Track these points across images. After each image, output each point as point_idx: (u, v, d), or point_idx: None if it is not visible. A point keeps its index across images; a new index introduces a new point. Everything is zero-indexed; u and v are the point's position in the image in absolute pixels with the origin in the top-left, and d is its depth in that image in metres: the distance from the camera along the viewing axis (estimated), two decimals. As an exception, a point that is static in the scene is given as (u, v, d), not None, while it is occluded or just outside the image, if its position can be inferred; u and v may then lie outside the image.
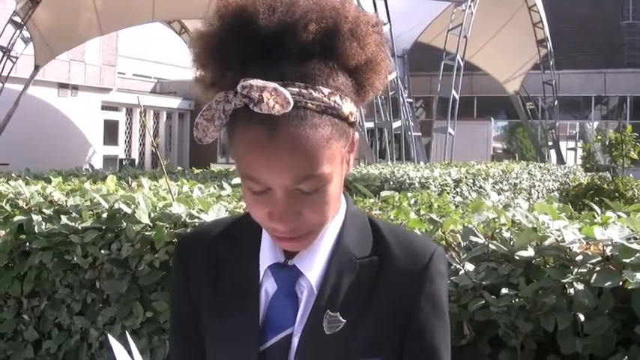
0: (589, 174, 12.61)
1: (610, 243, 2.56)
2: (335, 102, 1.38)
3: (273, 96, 1.31)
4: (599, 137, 11.73)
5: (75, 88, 28.50)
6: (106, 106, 30.44)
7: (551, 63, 27.87)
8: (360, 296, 1.54)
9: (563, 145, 30.64)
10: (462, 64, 21.14)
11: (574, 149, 29.15)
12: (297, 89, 1.34)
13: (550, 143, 29.79)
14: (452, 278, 2.67)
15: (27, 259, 3.66)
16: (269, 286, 1.57)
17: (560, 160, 27.42)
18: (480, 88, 32.75)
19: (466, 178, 11.34)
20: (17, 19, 21.06)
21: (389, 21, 16.90)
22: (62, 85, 27.85)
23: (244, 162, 1.39)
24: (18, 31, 21.31)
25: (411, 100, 22.79)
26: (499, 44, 26.86)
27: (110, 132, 30.61)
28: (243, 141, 1.37)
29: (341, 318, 1.52)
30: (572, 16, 35.31)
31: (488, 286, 2.66)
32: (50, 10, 20.90)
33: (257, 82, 1.31)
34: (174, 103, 34.77)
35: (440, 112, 22.66)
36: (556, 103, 28.98)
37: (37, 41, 22.16)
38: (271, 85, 1.31)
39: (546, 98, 29.42)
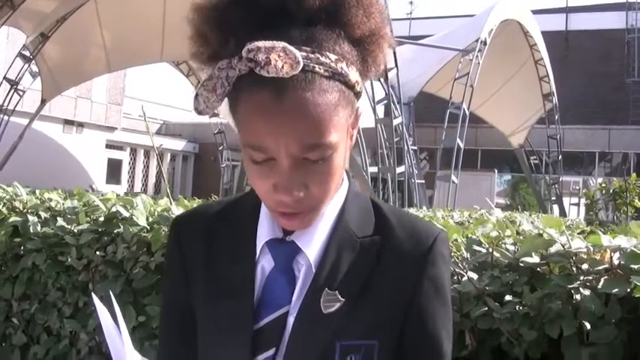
0: (590, 227, 12.55)
1: (618, 250, 2.49)
2: (342, 68, 1.34)
3: (282, 57, 1.26)
4: (603, 185, 11.71)
5: (80, 125, 28.67)
6: (111, 145, 30.55)
7: (556, 117, 27.94)
8: (359, 276, 1.48)
9: (566, 200, 30.59)
10: (467, 113, 21.20)
11: (577, 204, 29.10)
12: (304, 53, 1.30)
13: (553, 198, 29.79)
14: (454, 286, 2.61)
15: (19, 262, 3.61)
16: (266, 264, 1.51)
17: (563, 215, 27.36)
18: (485, 141, 32.85)
19: (469, 222, 11.26)
20: (26, 52, 21.22)
21: (396, 66, 16.93)
22: (68, 122, 28.02)
23: (249, 129, 1.34)
24: (26, 65, 21.46)
25: (416, 148, 22.80)
26: (505, 97, 27.00)
27: (113, 170, 30.70)
28: (248, 107, 1.32)
29: (339, 297, 1.46)
30: (579, 72, 35.56)
31: (491, 294, 2.60)
32: (60, 45, 21.08)
33: (265, 44, 1.27)
34: (178, 145, 34.97)
35: (444, 162, 22.65)
36: (560, 157, 29.02)
37: (44, 75, 22.32)
38: (280, 44, 1.26)
39: (550, 153, 29.46)
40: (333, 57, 1.33)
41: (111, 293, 1.57)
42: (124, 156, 32.03)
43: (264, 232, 1.52)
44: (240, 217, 1.58)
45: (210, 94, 1.33)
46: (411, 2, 41.63)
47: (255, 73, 1.28)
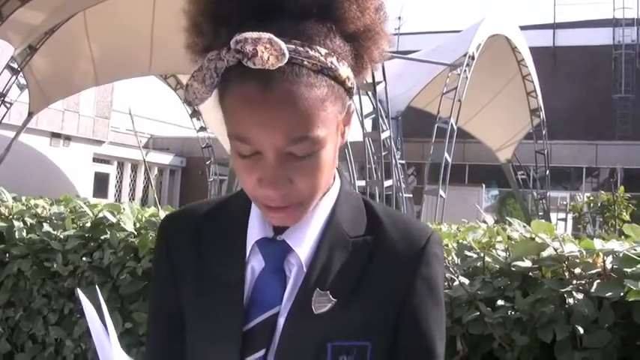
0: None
1: (611, 253, 2.47)
2: (332, 63, 1.33)
3: (268, 49, 1.25)
4: (591, 198, 11.73)
5: (67, 138, 28.59)
6: (98, 159, 30.48)
7: (543, 132, 28.00)
8: (351, 276, 1.47)
9: (553, 216, 30.62)
10: (455, 127, 21.22)
11: (564, 220, 29.13)
12: (293, 46, 1.29)
13: (541, 213, 29.81)
14: (446, 291, 2.57)
15: (4, 268, 3.57)
16: (256, 264, 1.50)
17: (551, 230, 27.36)
18: (472, 156, 32.90)
19: (459, 231, 11.27)
20: (14, 65, 21.13)
21: (384, 79, 16.94)
22: (55, 135, 27.94)
23: (235, 120, 1.33)
24: (14, 77, 21.37)
25: (403, 162, 22.82)
26: (492, 112, 27.03)
27: (100, 184, 30.59)
28: (235, 98, 1.31)
29: (331, 297, 1.44)
30: (566, 88, 35.74)
31: (483, 299, 2.58)
32: (48, 57, 20.99)
33: (251, 35, 1.26)
34: (166, 159, 34.91)
35: (432, 177, 22.67)
36: (547, 173, 29.07)
37: (32, 88, 22.21)
38: (266, 35, 1.25)
39: (538, 168, 29.51)
40: (323, 51, 1.32)
41: (98, 290, 1.54)
42: (111, 170, 31.96)
43: (255, 231, 1.50)
44: (229, 217, 1.56)
45: (199, 85, 1.32)
46: (400, 17, 41.84)
47: (243, 64, 1.27)
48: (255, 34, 1.25)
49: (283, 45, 1.26)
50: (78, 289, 1.57)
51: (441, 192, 20.97)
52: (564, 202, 31.79)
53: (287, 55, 1.26)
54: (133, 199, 32.24)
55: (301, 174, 1.35)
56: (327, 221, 1.50)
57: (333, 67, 1.33)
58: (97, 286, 1.58)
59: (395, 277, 1.48)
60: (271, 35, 1.25)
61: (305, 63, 1.29)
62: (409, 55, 25.29)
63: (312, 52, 1.30)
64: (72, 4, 18.43)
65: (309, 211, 1.44)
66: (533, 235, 2.70)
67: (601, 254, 2.50)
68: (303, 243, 1.47)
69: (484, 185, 31.81)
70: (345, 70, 1.36)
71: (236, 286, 1.48)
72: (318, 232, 1.49)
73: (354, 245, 1.49)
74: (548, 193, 29.63)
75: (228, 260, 1.51)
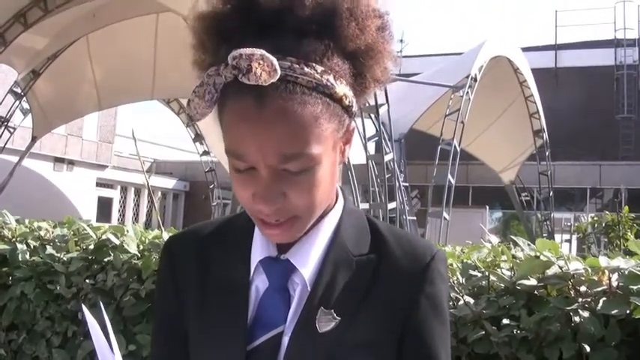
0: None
1: (616, 270, 2.46)
2: (328, 80, 1.33)
3: (261, 65, 1.26)
4: (595, 219, 11.68)
5: (71, 162, 28.64)
6: (101, 183, 30.52)
7: (547, 154, 27.97)
8: (356, 294, 1.46)
9: (558, 237, 30.54)
10: (458, 149, 21.21)
11: (569, 241, 29.08)
12: (288, 63, 1.29)
13: (545, 235, 29.72)
14: (450, 310, 2.56)
15: (7, 291, 3.56)
16: (260, 283, 1.49)
17: (555, 251, 27.26)
18: (476, 178, 32.88)
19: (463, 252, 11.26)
20: (17, 89, 21.22)
21: (387, 102, 16.96)
22: (58, 159, 28.00)
23: (230, 136, 1.33)
24: (17, 102, 21.44)
25: (407, 185, 22.81)
26: (495, 134, 27.03)
27: (103, 209, 30.62)
28: (230, 114, 1.32)
29: (335, 316, 1.43)
30: (569, 108, 35.76)
31: (488, 318, 2.56)
32: (51, 82, 21.08)
33: (245, 51, 1.26)
34: (169, 183, 34.95)
35: (435, 199, 22.62)
36: (551, 194, 29.02)
37: (35, 112, 22.30)
38: (259, 51, 1.26)
39: (542, 189, 29.46)
40: (319, 68, 1.32)
41: (103, 309, 1.53)
42: (115, 194, 32.00)
43: (258, 250, 1.50)
44: (233, 237, 1.56)
45: (200, 101, 1.33)
46: (402, 40, 41.98)
47: (239, 80, 1.28)
48: (248, 50, 1.26)
49: (275, 61, 1.26)
50: (83, 305, 1.55)
51: (445, 214, 20.92)
52: (568, 224, 31.76)
53: (279, 72, 1.26)
54: (137, 223, 32.23)
55: (296, 189, 1.35)
56: (331, 240, 1.50)
57: (329, 84, 1.32)
58: (101, 305, 1.56)
59: (399, 295, 1.47)
60: (263, 51, 1.26)
61: (299, 80, 1.29)
62: (411, 78, 25.32)
63: (307, 69, 1.30)
64: (75, 28, 18.54)
65: (306, 228, 1.43)
66: (538, 254, 2.69)
67: (606, 272, 2.48)
68: (307, 262, 1.46)
69: (488, 207, 31.80)
70: (342, 88, 1.35)
71: (240, 306, 1.47)
72: (322, 250, 1.48)
73: (358, 263, 1.48)
74: (552, 215, 29.55)
75: (232, 280, 1.50)
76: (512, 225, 35.38)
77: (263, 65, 1.25)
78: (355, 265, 1.48)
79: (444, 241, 18.94)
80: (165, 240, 1.68)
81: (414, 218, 21.18)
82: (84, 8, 17.32)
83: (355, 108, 1.43)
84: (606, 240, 11.01)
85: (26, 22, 17.39)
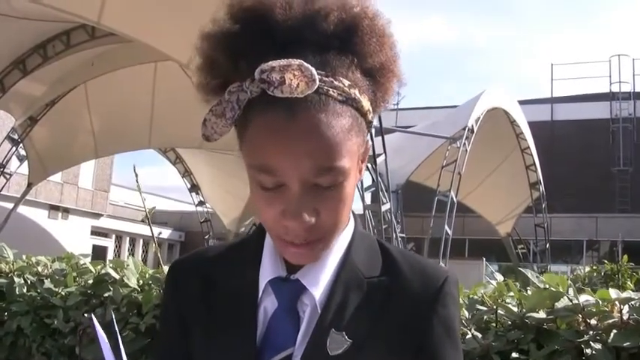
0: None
1: (627, 302, 2.41)
2: (355, 94, 1.31)
3: (297, 75, 1.23)
4: (594, 267, 11.64)
5: (66, 210, 28.63)
6: (96, 232, 30.49)
7: (543, 206, 28.05)
8: (367, 316, 1.42)
9: (554, 290, 30.50)
10: (455, 200, 21.23)
11: (565, 293, 29.08)
12: (319, 75, 1.26)
13: (541, 287, 29.68)
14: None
15: (3, 326, 3.50)
16: (269, 304, 1.44)
17: (552, 304, 27.19)
18: (472, 231, 32.92)
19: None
20: (14, 135, 21.27)
21: (384, 152, 16.99)
22: (53, 207, 28.00)
23: (260, 151, 1.29)
24: (14, 148, 21.49)
25: (404, 236, 22.76)
26: (492, 186, 27.14)
27: (98, 258, 30.14)
28: (259, 128, 1.28)
29: (346, 338, 1.39)
30: (565, 161, 35.93)
31: (497, 352, 2.51)
32: (48, 129, 21.14)
33: (280, 62, 1.23)
34: (164, 233, 34.90)
35: (432, 251, 22.60)
36: (548, 246, 29.03)
37: (32, 159, 22.34)
38: (296, 62, 1.23)
39: (538, 241, 29.49)
40: (346, 82, 1.30)
41: (113, 317, 1.48)
42: (110, 243, 31.97)
43: (267, 270, 1.46)
44: (241, 258, 1.52)
45: (218, 119, 1.30)
46: (398, 93, 42.25)
47: (267, 94, 1.24)
48: (283, 62, 1.23)
49: (314, 70, 1.23)
50: (93, 316, 1.51)
51: (442, 266, 20.87)
52: (565, 276, 31.74)
53: (317, 82, 1.24)
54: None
55: (326, 205, 1.31)
56: (342, 261, 1.46)
57: (356, 98, 1.31)
58: (113, 317, 1.52)
59: (411, 318, 1.43)
60: (301, 61, 1.23)
61: (331, 92, 1.27)
62: (409, 130, 25.44)
63: (336, 83, 1.28)
64: (73, 76, 18.63)
65: (329, 247, 1.40)
66: (547, 286, 2.65)
67: (617, 303, 2.44)
68: (318, 282, 1.42)
69: (484, 259, 31.78)
70: (366, 103, 1.34)
71: (248, 327, 1.43)
72: (333, 271, 1.44)
73: (370, 285, 1.44)
74: (548, 267, 29.53)
75: (240, 301, 1.46)
76: (508, 278, 35.32)
77: (300, 76, 1.23)
78: (367, 286, 1.44)
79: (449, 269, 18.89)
80: (171, 264, 1.64)
81: (411, 269, 21.09)
82: (83, 56, 17.42)
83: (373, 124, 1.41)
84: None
85: (25, 68, 17.50)
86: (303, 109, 1.25)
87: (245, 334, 1.42)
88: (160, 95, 19.81)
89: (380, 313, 1.42)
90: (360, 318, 1.41)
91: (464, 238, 33.03)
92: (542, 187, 27.84)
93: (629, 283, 10.12)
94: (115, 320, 1.49)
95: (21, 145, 21.60)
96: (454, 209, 21.37)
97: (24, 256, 4.02)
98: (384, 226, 18.33)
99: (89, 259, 4.16)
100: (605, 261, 12.46)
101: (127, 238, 32.78)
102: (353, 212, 1.51)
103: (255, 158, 1.30)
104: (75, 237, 28.59)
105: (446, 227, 21.06)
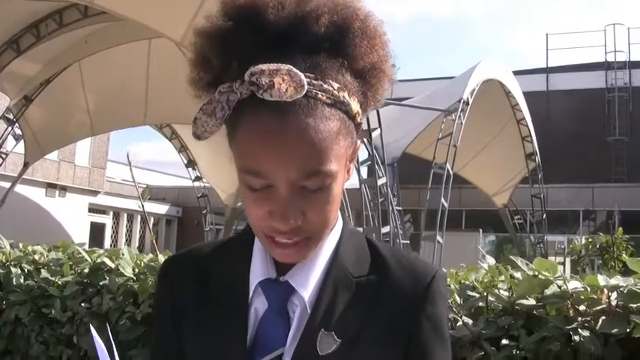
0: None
1: (616, 289, 2.44)
2: (344, 97, 1.33)
3: (286, 80, 1.25)
4: (589, 240, 11.66)
5: (63, 188, 28.60)
6: (94, 209, 30.46)
7: (539, 177, 28.02)
8: (356, 316, 1.44)
9: (551, 259, 30.44)
10: (451, 172, 21.22)
11: (562, 263, 29.07)
12: (308, 79, 1.28)
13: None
14: (449, 331, 2.54)
15: (1, 316, 3.53)
16: (259, 305, 1.47)
17: (549, 274, 27.19)
18: (468, 202, 32.90)
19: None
20: (10, 115, 21.23)
21: (380, 126, 16.98)
22: (50, 185, 27.96)
23: (249, 153, 1.31)
24: (10, 128, 21.45)
25: (400, 209, 22.78)
26: (488, 157, 27.09)
27: (96, 235, 30.54)
28: (248, 130, 1.30)
29: (336, 338, 1.41)
30: (561, 131, 35.88)
31: (487, 339, 2.54)
32: (43, 108, 21.09)
33: (269, 66, 1.25)
34: (162, 209, 34.90)
35: (428, 223, 22.59)
36: (544, 216, 29.04)
37: (28, 138, 22.30)
38: (285, 67, 1.25)
39: (535, 212, 29.48)
40: (335, 85, 1.31)
41: (108, 327, 1.51)
42: (107, 220, 31.95)
43: (257, 272, 1.48)
44: (232, 258, 1.54)
45: (209, 118, 1.31)
46: (394, 65, 42.16)
47: (256, 96, 1.26)
48: (273, 66, 1.25)
49: (302, 76, 1.25)
50: (91, 326, 1.54)
51: (439, 238, 20.90)
52: (562, 246, 31.76)
53: (306, 87, 1.25)
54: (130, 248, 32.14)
55: (313, 207, 1.33)
56: (331, 261, 1.48)
57: (345, 101, 1.32)
58: (108, 327, 1.54)
59: (400, 316, 1.45)
60: (291, 67, 1.25)
61: (319, 96, 1.29)
62: (404, 102, 25.36)
63: (325, 86, 1.30)
64: (67, 55, 18.57)
65: (317, 247, 1.42)
66: (537, 273, 2.68)
67: (606, 290, 2.47)
68: (307, 283, 1.44)
69: (481, 230, 31.80)
70: (355, 105, 1.35)
71: (239, 328, 1.45)
72: (322, 272, 1.46)
73: (358, 285, 1.46)
74: (545, 237, 29.58)
75: (232, 302, 1.48)
76: (505, 248, 35.36)
77: (289, 81, 1.24)
78: (355, 286, 1.46)
79: (438, 265, 18.89)
80: (163, 261, 1.66)
81: (408, 242, 21.12)
82: (76, 35, 17.36)
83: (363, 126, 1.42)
84: (600, 262, 10.96)
85: (19, 48, 17.44)
86: (292, 113, 1.26)
87: (236, 334, 1.45)
88: (154, 72, 19.75)
89: (369, 312, 1.44)
90: (350, 318, 1.43)
91: (460, 209, 33.00)
92: (538, 158, 27.78)
93: (624, 255, 10.14)
94: (110, 332, 1.51)
95: (16, 124, 21.56)
96: (450, 181, 21.35)
97: (20, 245, 4.04)
98: (380, 200, 18.34)
99: (86, 246, 4.20)
100: (601, 233, 12.47)
101: (125, 215, 32.78)
102: (340, 212, 1.54)
103: (243, 160, 1.32)
104: (72, 215, 28.59)
105: (442, 199, 21.05)
